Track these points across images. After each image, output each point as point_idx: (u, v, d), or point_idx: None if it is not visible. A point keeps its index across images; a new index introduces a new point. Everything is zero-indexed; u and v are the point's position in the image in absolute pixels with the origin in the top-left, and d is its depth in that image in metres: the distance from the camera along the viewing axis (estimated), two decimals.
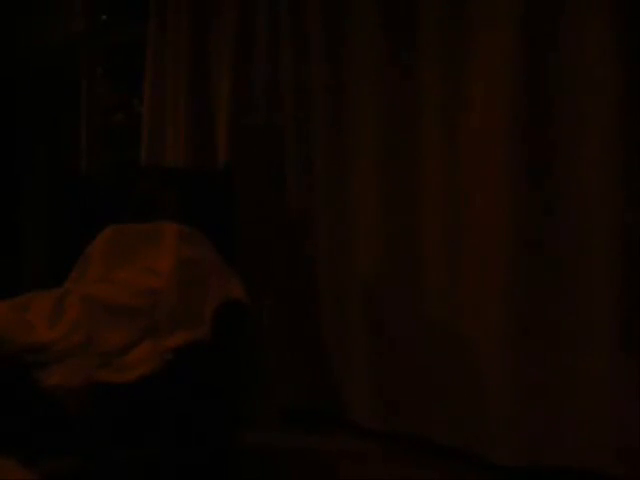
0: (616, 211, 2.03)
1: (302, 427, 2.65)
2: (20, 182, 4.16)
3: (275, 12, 2.81)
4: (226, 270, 2.25)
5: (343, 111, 2.66)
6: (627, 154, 2.01)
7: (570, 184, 2.11)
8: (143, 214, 2.58)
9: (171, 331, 2.02)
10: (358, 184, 2.62)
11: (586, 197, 2.08)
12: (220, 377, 2.00)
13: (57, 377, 1.83)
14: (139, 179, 2.84)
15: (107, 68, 3.95)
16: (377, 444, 2.48)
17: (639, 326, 1.99)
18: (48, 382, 1.82)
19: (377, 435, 2.52)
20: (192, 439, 1.89)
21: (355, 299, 2.63)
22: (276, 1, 2.80)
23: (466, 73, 2.31)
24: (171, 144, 3.13)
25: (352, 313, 2.63)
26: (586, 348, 2.07)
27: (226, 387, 2.03)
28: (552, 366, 2.13)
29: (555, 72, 2.13)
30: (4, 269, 3.84)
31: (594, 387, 2.06)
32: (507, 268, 2.19)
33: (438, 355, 2.39)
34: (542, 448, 2.13)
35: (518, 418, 2.17)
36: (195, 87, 3.06)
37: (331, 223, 2.70)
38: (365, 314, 2.59)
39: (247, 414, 2.42)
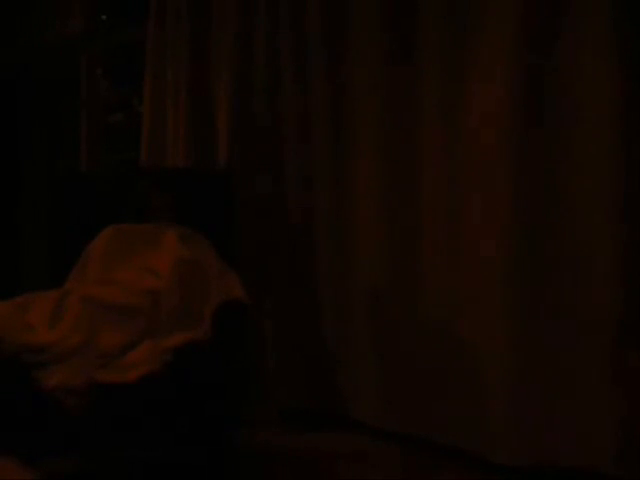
0: (616, 211, 2.02)
1: (302, 427, 2.65)
2: (20, 181, 4.16)
3: (275, 12, 2.81)
4: (226, 270, 2.25)
5: (343, 111, 2.66)
6: (628, 155, 2.01)
7: (571, 184, 2.11)
8: (143, 214, 2.58)
9: (171, 331, 2.01)
10: (359, 184, 2.61)
11: (586, 197, 2.08)
12: (220, 377, 2.00)
13: (57, 377, 1.83)
14: (139, 179, 2.84)
15: (107, 68, 3.96)
16: (377, 444, 2.48)
17: (638, 325, 1.99)
18: (48, 382, 1.82)
19: (377, 435, 2.52)
20: (192, 439, 1.89)
21: (356, 298, 2.63)
22: (276, 1, 2.80)
23: (466, 73, 2.31)
24: (171, 144, 3.13)
25: (352, 312, 2.63)
26: (586, 348, 2.07)
27: (226, 387, 2.03)
28: (552, 366, 2.12)
29: (555, 73, 2.13)
30: (4, 269, 3.84)
31: (594, 387, 2.05)
32: (507, 269, 2.19)
33: (439, 355, 2.39)
34: (542, 448, 2.13)
35: (518, 418, 2.17)
36: (195, 87, 3.06)
37: (331, 223, 2.69)
38: (365, 313, 2.59)
39: (247, 414, 2.43)
